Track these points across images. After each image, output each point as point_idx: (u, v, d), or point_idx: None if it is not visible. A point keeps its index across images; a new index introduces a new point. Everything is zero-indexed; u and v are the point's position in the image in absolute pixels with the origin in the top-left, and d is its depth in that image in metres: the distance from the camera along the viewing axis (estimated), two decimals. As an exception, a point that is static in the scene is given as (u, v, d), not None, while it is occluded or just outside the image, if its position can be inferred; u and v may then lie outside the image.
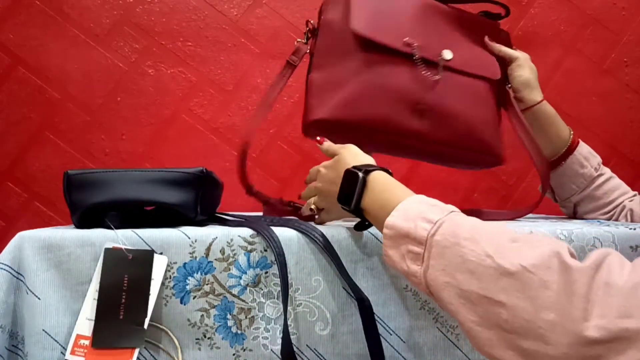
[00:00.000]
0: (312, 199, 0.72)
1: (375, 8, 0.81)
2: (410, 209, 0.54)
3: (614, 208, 0.91)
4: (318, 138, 0.74)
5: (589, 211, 0.93)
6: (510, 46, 0.91)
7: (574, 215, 0.96)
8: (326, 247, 0.63)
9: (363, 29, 0.79)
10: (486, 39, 0.89)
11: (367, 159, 0.67)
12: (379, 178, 0.61)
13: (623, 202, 0.90)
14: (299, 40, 0.85)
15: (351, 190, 0.61)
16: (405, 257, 0.53)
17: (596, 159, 0.92)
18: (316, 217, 0.73)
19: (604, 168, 0.93)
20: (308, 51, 0.84)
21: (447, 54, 0.82)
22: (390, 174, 0.63)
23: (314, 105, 0.80)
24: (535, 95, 0.89)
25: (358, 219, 0.65)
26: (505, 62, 0.89)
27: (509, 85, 0.90)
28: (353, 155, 0.68)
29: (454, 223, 0.51)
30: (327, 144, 0.73)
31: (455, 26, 0.86)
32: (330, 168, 0.69)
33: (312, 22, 0.84)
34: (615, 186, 0.91)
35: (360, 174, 0.61)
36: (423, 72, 0.80)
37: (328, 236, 0.65)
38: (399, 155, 0.88)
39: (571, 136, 0.92)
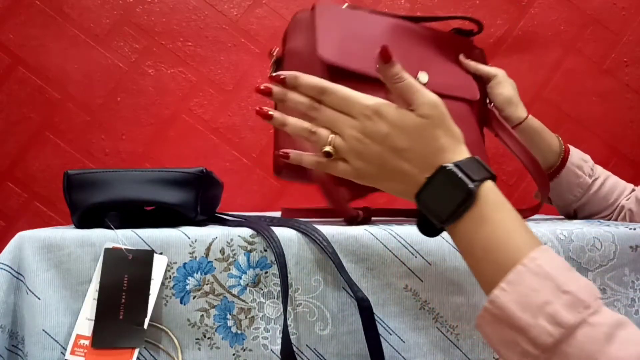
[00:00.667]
0: (332, 138, 0.52)
1: (343, 33, 0.76)
2: (532, 292, 0.41)
3: (612, 210, 0.90)
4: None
5: (588, 215, 0.92)
6: (485, 63, 0.89)
7: (574, 217, 0.95)
8: (326, 248, 0.63)
9: (332, 56, 0.73)
10: (461, 57, 0.86)
11: (463, 149, 0.49)
12: (491, 199, 0.46)
13: (620, 202, 0.90)
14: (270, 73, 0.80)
15: (445, 199, 0.46)
16: (510, 347, 0.41)
17: (588, 164, 0.91)
18: (320, 161, 0.54)
19: (597, 170, 0.91)
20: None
21: (423, 77, 0.78)
22: (495, 180, 0.48)
23: (283, 144, 0.73)
24: (520, 112, 0.88)
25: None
26: (483, 81, 0.87)
27: (491, 104, 0.89)
28: (451, 133, 0.49)
29: (591, 335, 0.38)
30: (404, 75, 0.51)
31: (429, 47, 0.82)
32: (401, 130, 0.49)
33: (275, 52, 0.79)
34: (611, 188, 0.90)
35: (471, 186, 0.45)
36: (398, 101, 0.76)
37: (328, 236, 0.65)
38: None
39: (562, 146, 0.90)
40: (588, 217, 0.93)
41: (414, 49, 0.81)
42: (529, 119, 0.88)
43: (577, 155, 0.90)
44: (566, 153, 0.90)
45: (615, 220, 0.90)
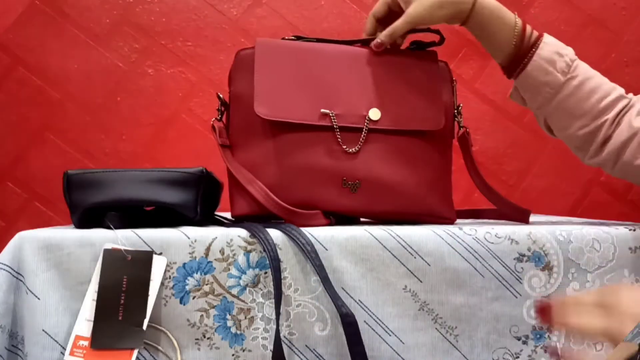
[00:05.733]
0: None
1: (283, 78, 0.72)
2: None
3: (592, 126, 0.74)
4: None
5: (562, 128, 0.77)
6: (451, 77, 0.79)
7: (549, 132, 0.82)
8: (311, 256, 0.63)
9: (269, 112, 0.71)
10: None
11: None
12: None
13: (608, 116, 0.74)
14: (214, 119, 0.76)
15: None
16: None
17: (564, 59, 0.73)
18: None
19: (578, 69, 0.74)
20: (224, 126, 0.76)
21: (374, 114, 0.72)
22: None
23: (235, 197, 0.74)
24: (462, 10, 0.74)
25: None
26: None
27: (459, 121, 0.79)
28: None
29: None
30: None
31: (383, 74, 0.75)
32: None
33: (221, 95, 0.76)
34: (591, 91, 0.73)
35: None
36: (343, 146, 0.71)
37: (328, 237, 0.65)
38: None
39: (517, 26, 0.74)
40: (563, 130, 0.78)
41: (365, 80, 0.74)
42: (476, 7, 0.74)
43: (550, 48, 0.74)
44: (534, 44, 0.74)
45: (608, 137, 0.74)
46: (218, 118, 0.76)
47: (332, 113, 0.72)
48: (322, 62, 0.74)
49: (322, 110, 0.71)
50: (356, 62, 0.75)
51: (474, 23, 0.75)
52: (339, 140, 0.71)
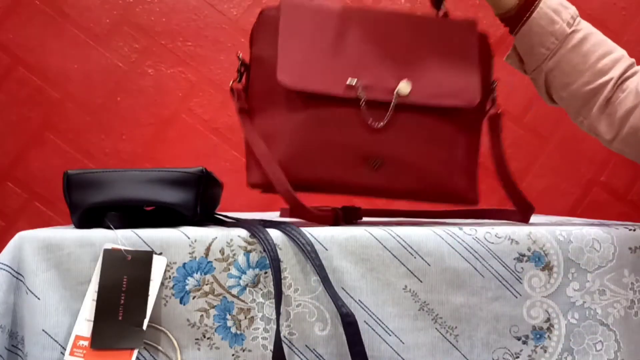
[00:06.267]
0: None
1: (308, 44, 0.68)
2: None
3: (596, 84, 0.71)
4: None
5: (565, 85, 0.73)
6: (490, 54, 0.75)
7: (548, 97, 0.77)
8: (311, 256, 0.63)
9: (292, 82, 0.66)
10: None
11: None
12: None
13: (612, 74, 0.72)
14: (233, 80, 0.72)
15: None
16: None
17: (568, 11, 0.72)
18: None
19: (581, 23, 0.73)
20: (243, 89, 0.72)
21: (404, 87, 0.67)
22: None
23: (251, 164, 0.70)
24: None
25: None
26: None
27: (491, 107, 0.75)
28: None
29: None
30: None
31: (416, 42, 0.70)
32: None
33: (241, 56, 0.71)
34: (594, 45, 0.72)
35: None
36: (368, 121, 0.67)
37: (328, 237, 0.65)
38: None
39: None
40: (563, 88, 0.73)
41: (396, 48, 0.69)
42: None
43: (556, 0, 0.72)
44: None
45: (608, 99, 0.71)
46: (237, 80, 0.72)
47: (359, 84, 0.67)
48: (351, 26, 0.69)
49: (349, 81, 0.67)
50: (388, 27, 0.70)
51: None
52: (365, 114, 0.67)
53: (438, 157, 0.69)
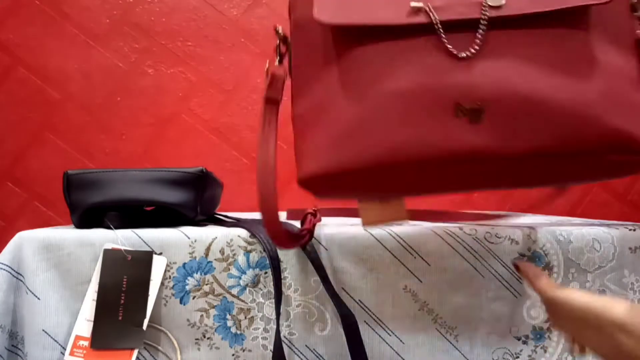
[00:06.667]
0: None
1: None
2: None
3: None
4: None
5: None
6: None
7: None
8: (311, 256, 0.63)
9: (333, 15, 0.49)
10: None
11: None
12: None
13: None
14: (269, 62, 0.56)
15: None
16: None
17: None
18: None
19: None
20: (287, 74, 0.55)
21: None
22: None
23: (301, 154, 0.52)
24: None
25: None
26: None
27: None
28: None
29: None
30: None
31: None
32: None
33: (280, 29, 0.56)
34: None
35: None
36: (451, 49, 0.46)
37: (328, 237, 0.65)
38: (461, 191, 0.55)
39: None
40: None
41: None
42: None
43: None
44: None
45: None
46: (277, 61, 0.55)
47: (428, 6, 0.48)
48: None
49: (413, 4, 0.48)
50: None
51: None
52: (445, 42, 0.47)
53: (572, 88, 0.46)
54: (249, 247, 0.64)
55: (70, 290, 0.63)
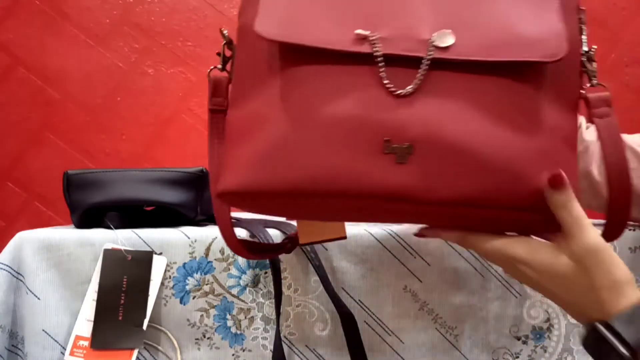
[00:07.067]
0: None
1: None
2: None
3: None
4: None
5: None
6: (578, 5, 0.51)
7: None
8: (311, 256, 0.63)
9: (275, 32, 0.46)
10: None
11: (625, 301, 0.42)
12: None
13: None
14: (212, 67, 0.53)
15: (601, 358, 0.42)
16: None
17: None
18: None
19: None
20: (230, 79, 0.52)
21: (444, 39, 0.45)
22: None
23: (226, 164, 0.48)
24: None
25: None
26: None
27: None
28: (611, 282, 0.42)
29: None
30: (561, 201, 0.43)
31: None
32: (550, 277, 0.44)
33: (226, 32, 0.52)
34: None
35: (625, 354, 0.39)
36: (388, 85, 0.44)
37: (327, 236, 0.65)
38: (380, 222, 0.54)
39: None
40: None
41: None
42: None
43: None
44: None
45: None
46: (220, 67, 0.52)
47: (373, 35, 0.45)
48: None
49: (358, 31, 0.45)
50: None
51: None
52: (382, 76, 0.45)
53: (502, 139, 0.44)
54: (249, 247, 0.64)
55: (70, 290, 0.63)
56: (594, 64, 0.50)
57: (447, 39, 0.45)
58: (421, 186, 0.44)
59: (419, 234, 0.53)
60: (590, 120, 0.50)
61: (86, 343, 0.62)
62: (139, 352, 0.62)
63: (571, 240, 0.44)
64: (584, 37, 0.50)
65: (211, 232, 0.65)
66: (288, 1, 0.47)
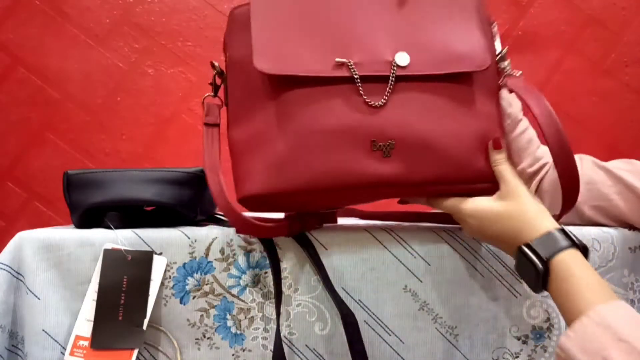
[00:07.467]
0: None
1: (285, 29, 0.61)
2: (591, 339, 0.46)
3: (538, 162, 0.75)
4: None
5: (513, 164, 0.73)
6: (490, 19, 0.68)
7: None
8: (311, 256, 0.63)
9: (271, 66, 0.59)
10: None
11: (540, 226, 0.55)
12: (565, 269, 0.52)
13: (547, 160, 0.75)
14: (207, 94, 0.66)
15: (527, 274, 0.55)
16: None
17: (517, 102, 0.73)
18: None
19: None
20: (222, 104, 0.66)
21: (402, 59, 0.60)
22: (585, 251, 0.54)
23: (241, 176, 0.62)
24: None
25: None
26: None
27: (504, 65, 0.68)
28: (530, 215, 0.56)
29: None
30: (498, 159, 0.61)
31: (411, 11, 0.63)
32: (486, 221, 0.59)
33: (216, 64, 0.65)
34: (533, 136, 0.74)
35: (540, 265, 0.52)
36: (366, 99, 0.59)
37: (328, 237, 0.65)
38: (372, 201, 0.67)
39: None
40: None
41: (387, 20, 0.62)
42: None
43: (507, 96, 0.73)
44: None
45: (539, 181, 0.75)
46: (212, 94, 0.66)
47: (349, 62, 0.59)
48: (334, 4, 0.62)
49: (338, 59, 0.59)
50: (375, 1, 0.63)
51: None
52: (361, 92, 0.59)
53: (455, 132, 0.61)
54: (249, 247, 0.64)
55: (71, 290, 0.63)
56: (506, 62, 0.67)
57: (405, 59, 0.60)
58: (404, 173, 0.59)
59: (401, 202, 0.69)
60: (512, 91, 0.66)
61: (86, 343, 0.62)
62: (139, 352, 0.62)
63: (502, 185, 0.59)
64: (496, 43, 0.66)
65: (211, 232, 0.65)
66: (276, 39, 0.60)
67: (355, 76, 0.59)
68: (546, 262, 0.52)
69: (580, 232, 0.67)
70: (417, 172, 0.60)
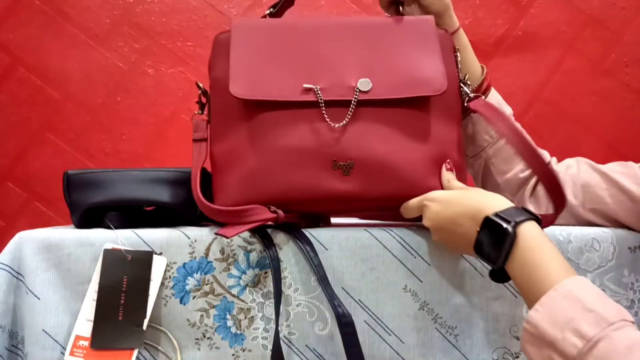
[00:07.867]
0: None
1: (259, 58, 0.67)
2: (560, 311, 0.47)
3: (529, 170, 0.77)
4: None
5: (504, 172, 0.79)
6: (453, 47, 0.73)
7: (482, 183, 0.82)
8: (310, 256, 0.63)
9: (245, 92, 0.65)
10: None
11: (503, 201, 0.57)
12: (531, 236, 0.53)
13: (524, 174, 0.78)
14: (196, 112, 0.72)
15: (493, 244, 0.54)
16: None
17: (508, 108, 0.80)
18: None
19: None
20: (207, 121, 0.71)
21: (364, 84, 0.65)
22: (539, 222, 0.55)
23: (218, 187, 0.67)
24: (455, 19, 0.77)
25: None
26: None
27: (467, 87, 0.72)
28: (484, 196, 0.59)
29: (612, 347, 0.43)
30: (449, 177, 0.66)
31: (374, 41, 0.68)
32: (448, 204, 0.60)
33: (201, 85, 0.72)
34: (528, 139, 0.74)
35: (509, 228, 0.53)
36: (329, 122, 0.64)
37: (328, 237, 0.65)
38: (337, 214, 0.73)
39: (484, 72, 0.79)
40: (501, 174, 0.79)
41: (351, 50, 0.68)
42: (460, 31, 0.78)
43: (498, 96, 0.81)
44: (489, 83, 0.79)
45: (533, 189, 0.78)
46: (199, 112, 0.72)
47: (316, 87, 0.65)
48: (303, 36, 0.68)
49: (305, 85, 0.65)
50: (341, 31, 0.69)
51: None
52: (325, 116, 0.64)
53: (410, 153, 0.66)
54: (249, 247, 0.64)
55: (70, 290, 0.64)
56: (468, 87, 0.72)
57: (367, 85, 0.65)
58: (361, 190, 0.65)
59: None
60: (475, 111, 0.72)
61: (86, 343, 0.62)
62: (139, 352, 0.62)
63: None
64: (460, 68, 0.72)
65: (211, 232, 0.65)
66: (251, 66, 0.66)
67: (320, 101, 0.64)
68: (515, 226, 0.53)
69: (580, 232, 0.67)
70: (374, 189, 0.65)
